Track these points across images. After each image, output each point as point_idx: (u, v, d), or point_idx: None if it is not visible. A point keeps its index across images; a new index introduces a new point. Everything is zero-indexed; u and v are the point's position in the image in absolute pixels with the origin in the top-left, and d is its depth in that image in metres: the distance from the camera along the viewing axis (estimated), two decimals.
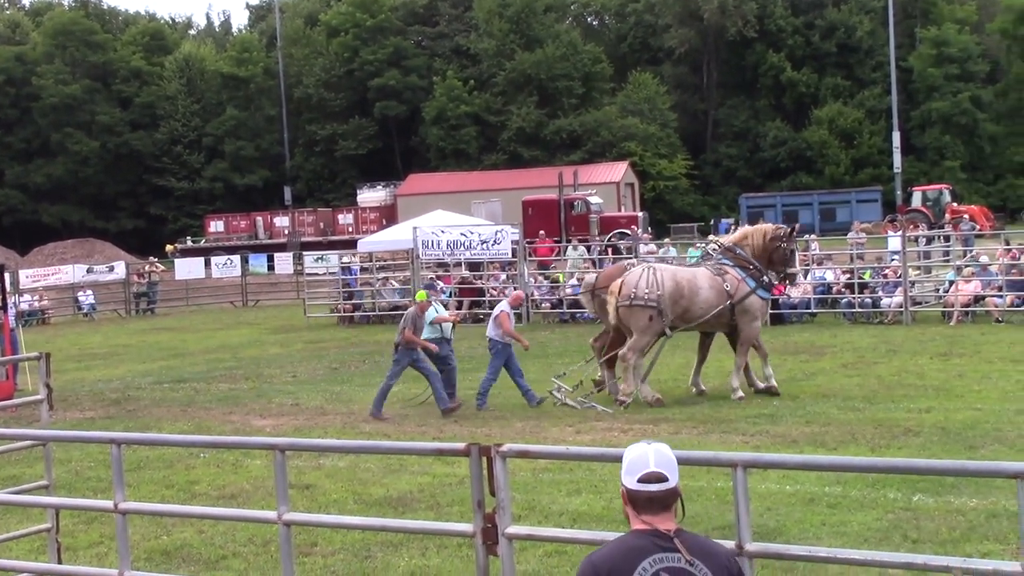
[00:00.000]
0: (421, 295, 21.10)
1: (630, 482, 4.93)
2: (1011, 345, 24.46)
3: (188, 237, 79.82)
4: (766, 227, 21.35)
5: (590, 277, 23.02)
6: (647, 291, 19.19)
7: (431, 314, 20.44)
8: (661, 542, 4.82)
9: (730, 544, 6.42)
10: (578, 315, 35.04)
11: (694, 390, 20.24)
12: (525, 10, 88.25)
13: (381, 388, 19.79)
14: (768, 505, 12.04)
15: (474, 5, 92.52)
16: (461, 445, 7.32)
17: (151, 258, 58.97)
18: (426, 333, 20.25)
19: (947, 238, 40.96)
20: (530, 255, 38.39)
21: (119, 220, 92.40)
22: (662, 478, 4.89)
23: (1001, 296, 30.09)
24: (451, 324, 21.15)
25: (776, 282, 21.49)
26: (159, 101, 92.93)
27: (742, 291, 19.76)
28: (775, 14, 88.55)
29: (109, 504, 8.62)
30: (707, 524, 11.38)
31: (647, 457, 4.94)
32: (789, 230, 21.12)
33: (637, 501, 4.92)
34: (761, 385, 19.96)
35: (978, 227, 49.40)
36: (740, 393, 19.43)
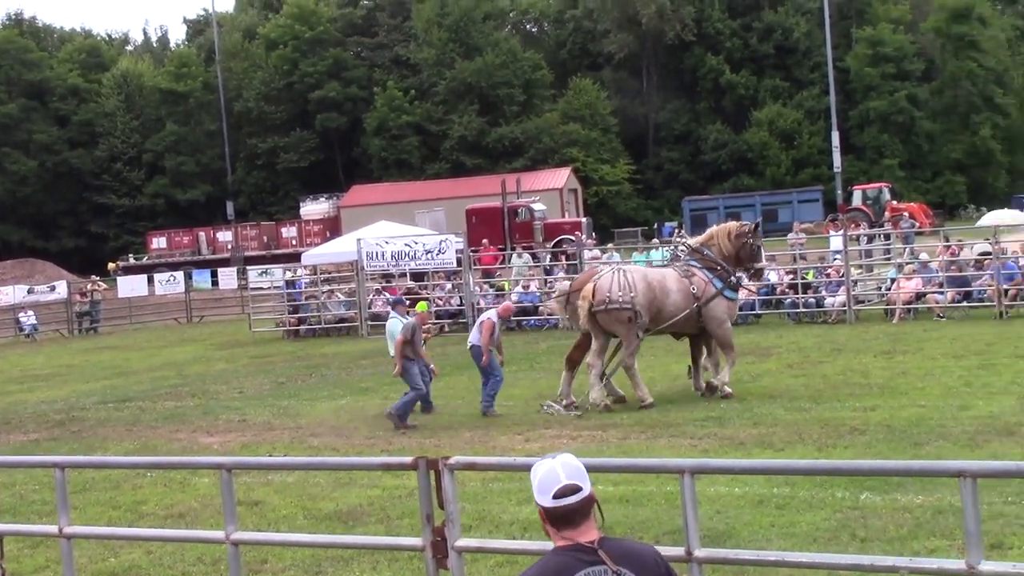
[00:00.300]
0: (422, 306, 21.00)
1: (545, 500, 4.81)
2: (953, 341, 24.73)
3: (130, 254, 79.15)
4: (730, 225, 21.58)
5: (564, 284, 22.76)
6: (620, 293, 19.30)
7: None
8: (585, 556, 4.74)
9: (679, 551, 6.45)
10: (524, 323, 35.08)
11: (698, 393, 20.33)
12: (464, 19, 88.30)
13: (410, 398, 19.56)
14: (717, 508, 12.09)
15: (413, 15, 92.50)
16: (409, 459, 7.31)
17: (93, 277, 58.45)
18: None
19: (888, 236, 41.33)
20: (475, 264, 38.41)
21: (60, 239, 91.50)
22: (576, 489, 4.79)
23: (942, 293, 30.39)
24: (423, 338, 21.02)
25: (745, 279, 21.68)
26: (97, 118, 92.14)
27: (708, 292, 19.96)
28: (712, 17, 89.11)
29: (54, 529, 8.53)
30: (657, 529, 11.41)
31: (556, 471, 4.83)
32: (754, 225, 21.36)
33: (556, 518, 4.81)
34: (703, 385, 20.19)
35: (918, 224, 49.97)
36: (728, 390, 19.62)
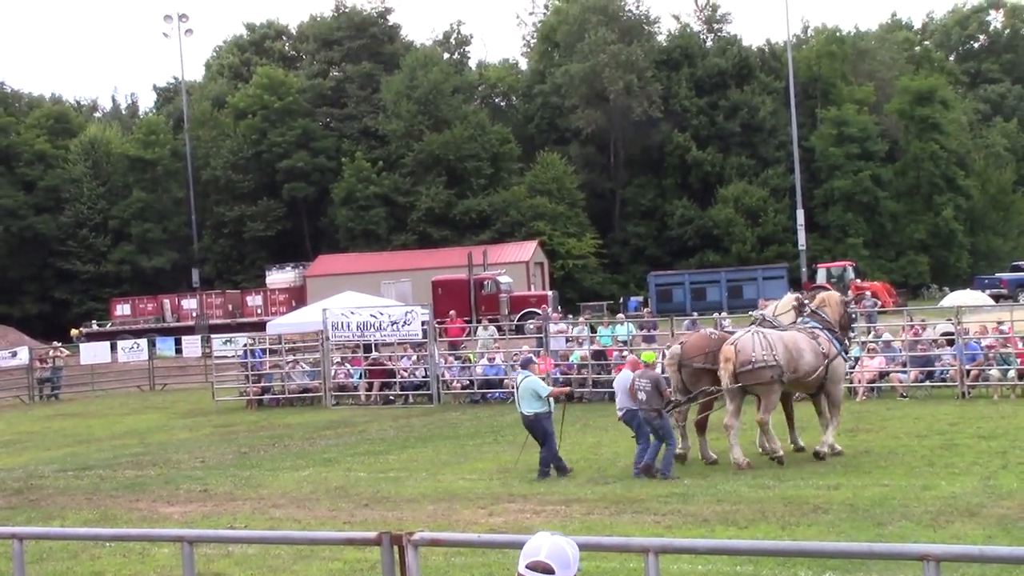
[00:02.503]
0: (649, 356, 21.29)
1: (521, 567, 4.98)
2: (915, 420, 24.84)
3: (94, 321, 78.65)
4: (836, 294, 22.92)
5: (675, 349, 22.26)
6: (764, 353, 19.88)
7: (544, 388, 20.48)
8: None
9: None
10: (489, 396, 34.97)
11: (792, 447, 21.13)
12: (432, 91, 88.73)
13: (670, 452, 19.82)
14: None
15: (382, 87, 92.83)
16: (372, 534, 7.27)
17: (55, 343, 58.01)
18: (537, 406, 20.29)
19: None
20: (440, 335, 38.35)
21: (23, 305, 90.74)
22: (548, 570, 4.90)
23: (905, 372, 30.58)
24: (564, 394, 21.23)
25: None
26: (64, 184, 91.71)
27: (832, 352, 20.69)
28: (680, 94, 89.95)
29: None
30: None
31: (541, 547, 4.98)
32: (855, 296, 22.33)
33: None
34: (800, 442, 21.28)
35: (881, 303, 50.26)
36: (838, 447, 20.33)
